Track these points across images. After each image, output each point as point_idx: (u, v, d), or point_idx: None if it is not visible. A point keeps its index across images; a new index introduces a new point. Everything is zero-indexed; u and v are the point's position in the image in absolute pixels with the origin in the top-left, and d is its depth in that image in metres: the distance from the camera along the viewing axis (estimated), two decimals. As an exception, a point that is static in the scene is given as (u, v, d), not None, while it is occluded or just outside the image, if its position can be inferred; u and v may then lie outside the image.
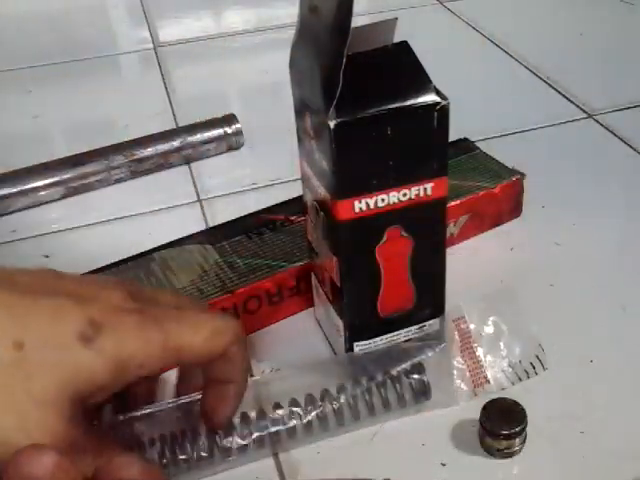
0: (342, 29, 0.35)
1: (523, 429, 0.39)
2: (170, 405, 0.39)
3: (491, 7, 0.98)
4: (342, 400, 0.41)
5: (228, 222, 0.55)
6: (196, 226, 0.57)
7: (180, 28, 1.00)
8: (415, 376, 0.42)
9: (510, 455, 0.40)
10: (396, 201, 0.39)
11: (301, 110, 0.41)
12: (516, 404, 0.40)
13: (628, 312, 0.49)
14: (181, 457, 0.38)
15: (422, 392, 0.42)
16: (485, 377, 0.43)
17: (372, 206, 0.38)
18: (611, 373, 0.44)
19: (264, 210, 0.55)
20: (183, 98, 0.82)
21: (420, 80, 0.37)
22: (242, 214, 0.55)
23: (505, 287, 0.50)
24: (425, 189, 0.39)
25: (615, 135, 0.68)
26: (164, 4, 1.07)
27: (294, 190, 0.50)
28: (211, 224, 0.59)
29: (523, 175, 0.56)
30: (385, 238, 0.40)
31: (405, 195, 0.39)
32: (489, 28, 0.91)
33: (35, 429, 0.31)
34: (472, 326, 0.43)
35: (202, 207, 0.62)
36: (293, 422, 0.40)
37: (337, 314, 0.43)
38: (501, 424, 0.39)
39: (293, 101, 0.41)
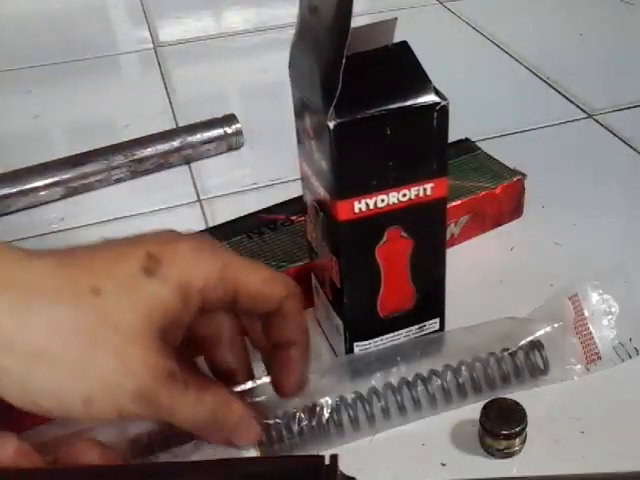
0: (342, 29, 0.35)
1: (523, 429, 0.39)
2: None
3: (491, 7, 0.98)
4: (464, 373, 0.42)
5: (228, 222, 0.55)
6: (196, 226, 0.57)
7: (180, 28, 1.00)
8: (535, 352, 0.42)
9: (510, 455, 0.40)
10: (396, 201, 0.39)
11: (301, 110, 0.41)
12: (516, 404, 0.40)
13: (628, 312, 0.49)
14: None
15: (540, 368, 0.42)
16: (597, 353, 0.43)
17: (372, 206, 0.38)
18: (611, 373, 0.44)
19: (264, 210, 0.55)
20: (183, 98, 0.82)
21: (420, 80, 0.37)
22: (242, 214, 0.55)
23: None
24: (425, 189, 0.39)
25: (615, 135, 0.68)
26: (164, 4, 1.07)
27: (294, 190, 0.50)
28: (211, 224, 0.59)
29: (524, 176, 0.56)
30: (385, 238, 0.40)
31: (405, 195, 0.39)
32: (489, 28, 0.91)
33: (136, 365, 0.31)
34: (585, 303, 0.44)
35: (202, 207, 0.62)
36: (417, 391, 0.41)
37: (337, 314, 0.43)
38: (501, 424, 0.39)
39: (293, 101, 0.41)
